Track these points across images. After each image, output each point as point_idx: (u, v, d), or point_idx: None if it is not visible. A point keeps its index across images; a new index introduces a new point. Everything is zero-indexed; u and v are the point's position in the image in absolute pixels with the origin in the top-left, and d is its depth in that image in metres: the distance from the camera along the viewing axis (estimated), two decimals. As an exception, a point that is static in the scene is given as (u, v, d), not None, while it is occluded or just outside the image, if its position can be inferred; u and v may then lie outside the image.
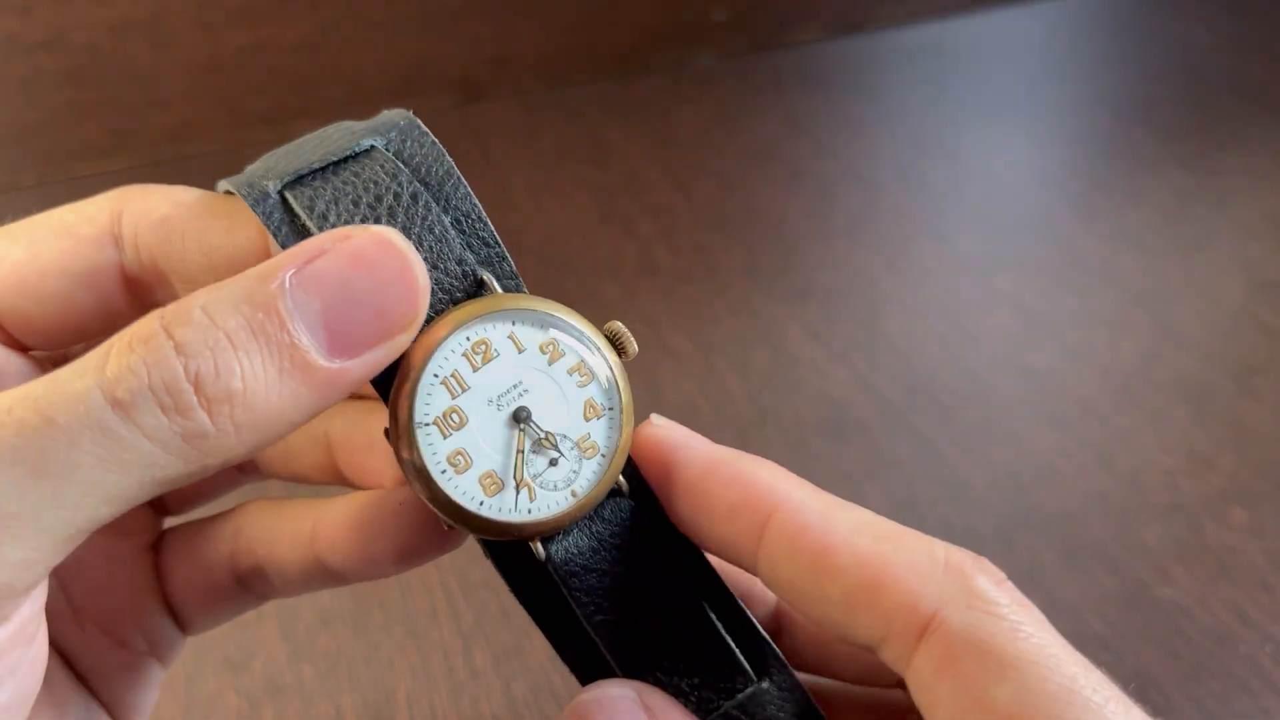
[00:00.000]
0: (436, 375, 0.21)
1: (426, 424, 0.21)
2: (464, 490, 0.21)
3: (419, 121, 0.23)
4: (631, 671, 0.23)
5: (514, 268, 0.22)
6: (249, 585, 0.26)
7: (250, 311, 0.18)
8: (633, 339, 0.22)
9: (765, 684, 0.23)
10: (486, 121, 0.79)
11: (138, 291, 0.24)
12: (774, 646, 0.23)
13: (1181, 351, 0.54)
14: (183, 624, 0.27)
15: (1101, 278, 0.60)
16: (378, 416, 0.24)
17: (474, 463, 0.21)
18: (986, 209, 0.67)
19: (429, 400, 0.21)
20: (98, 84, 0.73)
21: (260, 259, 0.22)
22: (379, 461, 0.25)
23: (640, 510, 0.23)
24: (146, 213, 0.23)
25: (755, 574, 0.22)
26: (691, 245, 0.64)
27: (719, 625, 0.23)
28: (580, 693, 0.22)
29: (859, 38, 0.88)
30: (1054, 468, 0.48)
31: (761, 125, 0.77)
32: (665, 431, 0.23)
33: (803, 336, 0.56)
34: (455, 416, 0.21)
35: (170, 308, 0.19)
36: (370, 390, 0.22)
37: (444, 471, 0.21)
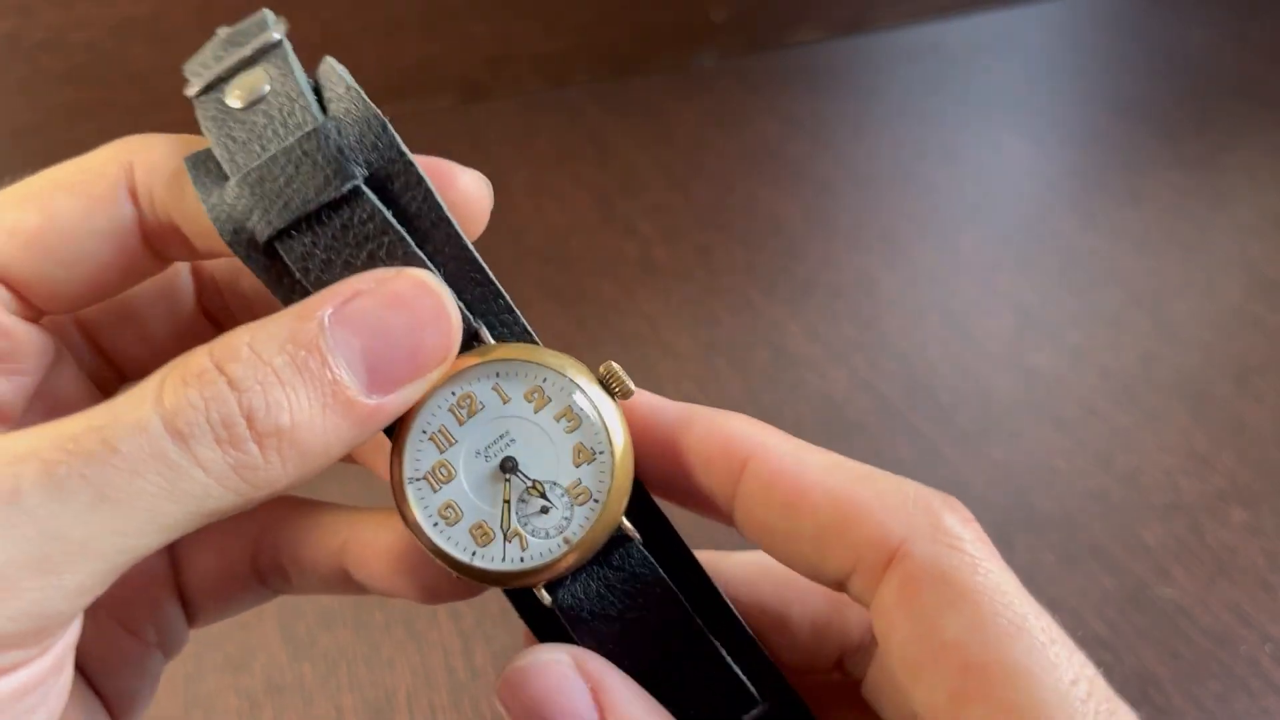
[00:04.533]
0: (424, 431, 0.22)
1: (417, 479, 0.22)
2: (456, 541, 0.22)
3: (407, 154, 0.22)
4: None
5: (509, 302, 0.22)
6: (266, 580, 0.26)
7: (294, 350, 0.19)
8: (628, 380, 0.22)
9: (770, 705, 0.24)
10: (486, 121, 0.79)
11: (155, 244, 0.23)
12: (777, 668, 0.24)
13: (1181, 351, 0.54)
14: (192, 615, 0.27)
15: (1101, 278, 0.60)
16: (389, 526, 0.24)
17: (464, 515, 0.22)
18: (986, 209, 0.67)
19: (419, 456, 0.22)
20: (98, 84, 0.73)
21: None
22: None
23: (653, 556, 0.23)
24: (156, 165, 0.23)
25: (730, 523, 0.23)
26: (691, 245, 0.64)
27: (726, 655, 0.23)
28: (512, 659, 0.22)
29: (859, 38, 0.88)
30: (1054, 468, 0.48)
31: (761, 125, 0.77)
32: (637, 396, 0.23)
33: (803, 336, 0.56)
34: (444, 470, 0.22)
35: (216, 343, 0.19)
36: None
37: (436, 524, 0.22)
